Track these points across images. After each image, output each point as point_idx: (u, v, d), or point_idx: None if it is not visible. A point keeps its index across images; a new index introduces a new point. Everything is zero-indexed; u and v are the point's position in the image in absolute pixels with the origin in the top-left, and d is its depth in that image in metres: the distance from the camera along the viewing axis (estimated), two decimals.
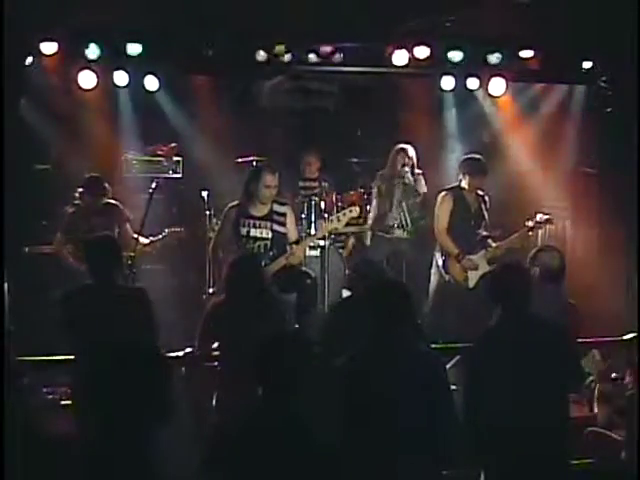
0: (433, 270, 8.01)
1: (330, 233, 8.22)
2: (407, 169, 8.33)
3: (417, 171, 8.45)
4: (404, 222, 8.42)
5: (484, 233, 7.93)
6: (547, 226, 8.05)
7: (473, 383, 4.75)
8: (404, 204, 8.40)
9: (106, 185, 7.70)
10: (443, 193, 7.92)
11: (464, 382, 4.82)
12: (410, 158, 8.37)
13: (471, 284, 7.78)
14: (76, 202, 7.76)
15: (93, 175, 7.74)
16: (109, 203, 7.65)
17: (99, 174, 7.78)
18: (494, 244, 7.87)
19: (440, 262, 7.89)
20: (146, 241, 7.57)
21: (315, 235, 7.84)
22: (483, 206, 7.94)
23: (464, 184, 7.85)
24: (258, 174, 7.04)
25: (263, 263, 6.73)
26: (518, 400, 4.62)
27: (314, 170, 9.09)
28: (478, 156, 7.92)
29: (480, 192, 7.93)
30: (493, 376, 4.69)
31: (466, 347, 5.05)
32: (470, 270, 7.78)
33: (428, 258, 8.18)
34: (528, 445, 4.59)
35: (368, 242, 8.70)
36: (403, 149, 8.41)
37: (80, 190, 7.66)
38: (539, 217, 7.79)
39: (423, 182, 8.47)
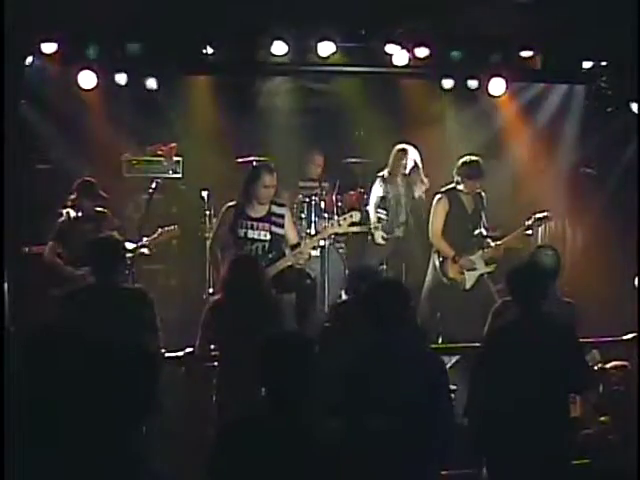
0: (430, 270, 7.98)
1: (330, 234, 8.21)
2: (406, 171, 8.32)
3: (419, 173, 8.43)
4: (399, 223, 8.41)
5: (483, 233, 7.92)
6: (546, 224, 8.04)
7: (483, 380, 4.77)
8: (399, 206, 8.39)
9: (100, 192, 7.58)
10: (438, 196, 7.87)
11: (472, 378, 4.84)
12: (410, 159, 8.35)
13: (468, 285, 7.76)
14: (65, 211, 7.64)
15: (86, 179, 7.61)
16: (98, 211, 7.52)
17: (93, 179, 7.64)
18: (492, 244, 7.86)
19: (437, 263, 7.86)
20: (132, 246, 7.40)
21: (315, 236, 7.83)
22: (481, 206, 7.89)
23: (461, 187, 7.75)
24: (257, 174, 6.97)
25: (263, 265, 6.73)
26: (529, 398, 4.64)
27: (319, 170, 9.08)
28: (475, 158, 7.78)
29: (478, 191, 7.86)
30: (505, 373, 4.72)
31: (477, 344, 5.06)
32: (467, 271, 7.76)
33: (427, 257, 8.17)
34: (533, 444, 4.61)
35: (369, 241, 8.67)
36: (404, 149, 8.40)
37: (72, 196, 7.50)
38: (536, 215, 7.79)
39: (421, 186, 8.46)
